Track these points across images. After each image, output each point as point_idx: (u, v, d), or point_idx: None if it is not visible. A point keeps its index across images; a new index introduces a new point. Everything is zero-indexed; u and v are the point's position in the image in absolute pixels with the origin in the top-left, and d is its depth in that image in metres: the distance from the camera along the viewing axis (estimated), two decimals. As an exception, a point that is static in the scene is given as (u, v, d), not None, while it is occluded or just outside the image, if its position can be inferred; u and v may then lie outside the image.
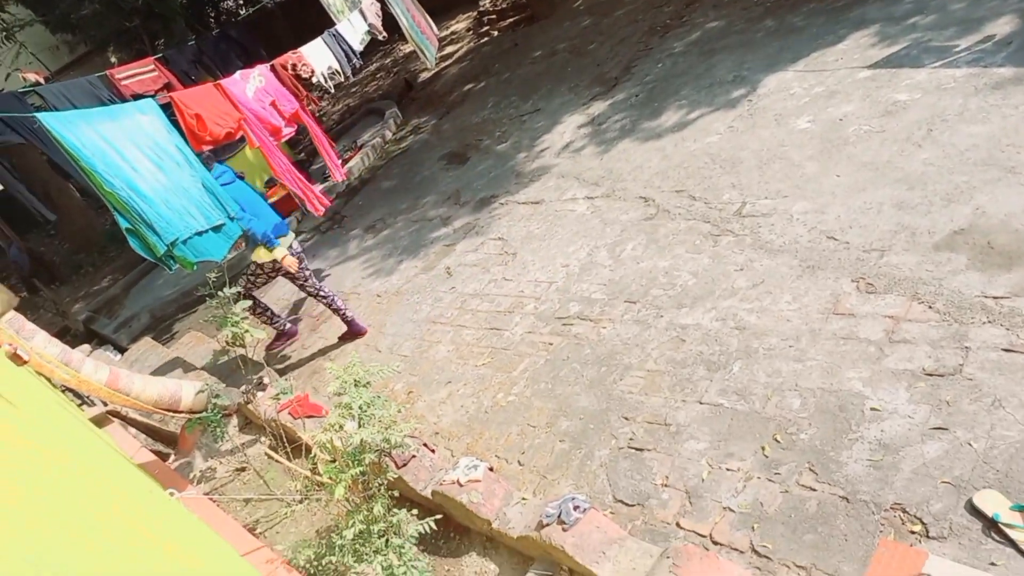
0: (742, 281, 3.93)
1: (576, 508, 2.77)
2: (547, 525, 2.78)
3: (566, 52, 9.43)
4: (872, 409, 2.86)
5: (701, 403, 3.31)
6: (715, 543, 2.71)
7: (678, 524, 2.85)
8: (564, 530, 2.71)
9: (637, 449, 3.27)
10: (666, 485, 3.02)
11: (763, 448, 2.94)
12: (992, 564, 2.18)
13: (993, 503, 2.30)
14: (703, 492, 2.91)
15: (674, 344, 3.75)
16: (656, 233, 4.71)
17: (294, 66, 6.16)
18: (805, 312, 3.52)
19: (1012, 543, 2.19)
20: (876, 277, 3.51)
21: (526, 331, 4.50)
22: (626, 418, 3.45)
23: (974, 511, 2.34)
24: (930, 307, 3.20)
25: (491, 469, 3.27)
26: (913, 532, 2.38)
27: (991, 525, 2.27)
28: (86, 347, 7.18)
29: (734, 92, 5.96)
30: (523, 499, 3.06)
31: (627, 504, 3.05)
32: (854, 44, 5.66)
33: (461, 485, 3.17)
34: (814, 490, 2.67)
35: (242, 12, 14.94)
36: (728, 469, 2.93)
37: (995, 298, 3.08)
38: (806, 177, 4.49)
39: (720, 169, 5.01)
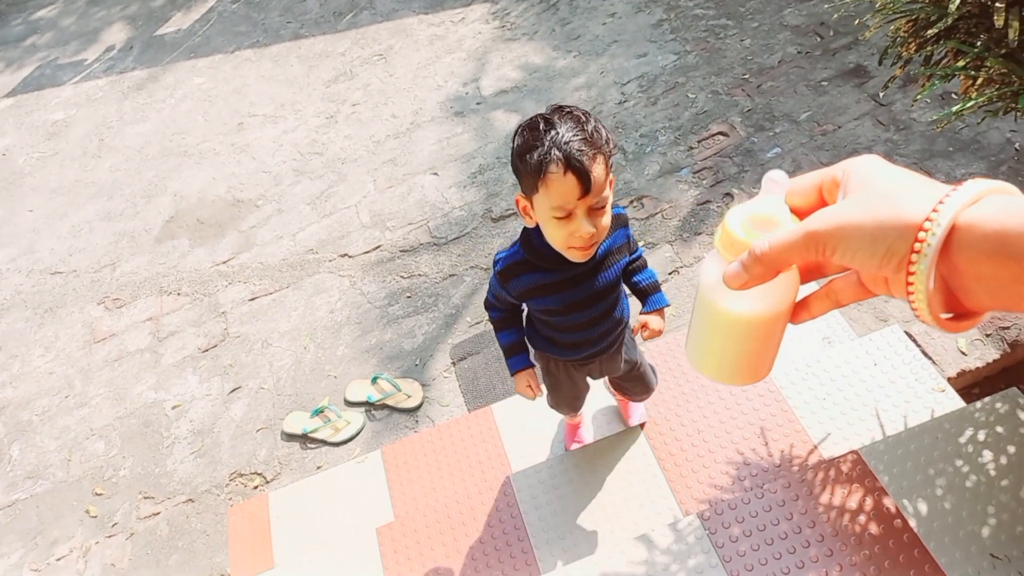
0: (-24, 360, 3.26)
1: None
2: None
3: None
4: (174, 408, 2.82)
5: (-9, 514, 2.67)
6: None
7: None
8: None
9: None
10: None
11: (88, 511, 2.58)
12: (318, 467, 2.47)
13: (298, 422, 2.58)
14: (44, 602, 2.40)
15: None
16: None
17: None
18: (66, 356, 3.17)
19: (322, 441, 2.53)
20: (119, 290, 3.40)
21: None
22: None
23: (289, 437, 2.59)
24: (179, 294, 3.29)
25: None
26: (256, 487, 2.50)
27: (304, 438, 2.56)
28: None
29: None
30: None
31: None
32: (-21, 74, 5.12)
33: None
34: (158, 513, 2.51)
35: None
36: (60, 559, 2.47)
37: (224, 262, 3.37)
38: (-4, 223, 3.95)
39: None
